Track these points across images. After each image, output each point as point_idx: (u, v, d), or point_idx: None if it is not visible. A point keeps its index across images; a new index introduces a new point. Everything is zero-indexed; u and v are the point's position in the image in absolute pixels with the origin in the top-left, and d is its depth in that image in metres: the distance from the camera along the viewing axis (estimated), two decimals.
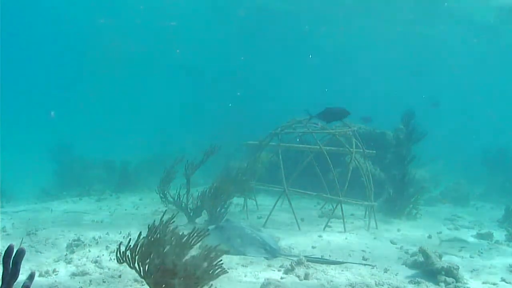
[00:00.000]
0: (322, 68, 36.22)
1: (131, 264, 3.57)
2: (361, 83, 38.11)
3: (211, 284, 3.73)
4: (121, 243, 3.72)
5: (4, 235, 7.20)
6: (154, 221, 3.62)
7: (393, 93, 35.76)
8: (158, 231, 3.52)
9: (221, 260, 3.69)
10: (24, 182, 14.34)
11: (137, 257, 3.48)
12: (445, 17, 23.40)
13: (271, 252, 6.39)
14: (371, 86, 38.11)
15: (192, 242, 3.63)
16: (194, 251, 3.73)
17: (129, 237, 6.64)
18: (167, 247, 3.50)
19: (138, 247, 3.49)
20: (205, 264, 3.55)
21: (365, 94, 37.03)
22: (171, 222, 3.66)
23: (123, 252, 3.54)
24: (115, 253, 3.66)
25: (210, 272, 3.59)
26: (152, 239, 3.49)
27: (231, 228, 6.82)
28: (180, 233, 3.62)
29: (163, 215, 3.72)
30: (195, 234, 3.64)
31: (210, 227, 6.98)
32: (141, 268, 3.57)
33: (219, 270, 3.64)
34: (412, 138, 10.80)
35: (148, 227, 3.63)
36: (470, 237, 8.68)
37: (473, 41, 27.13)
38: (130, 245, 3.55)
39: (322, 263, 6.08)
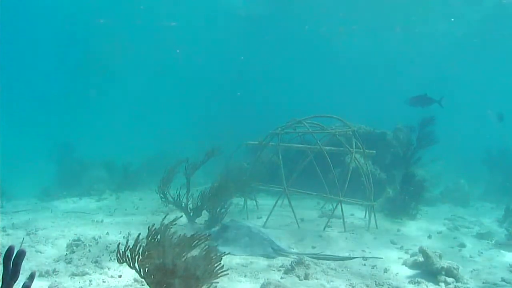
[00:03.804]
0: (323, 68, 36.20)
1: (131, 264, 3.57)
2: (362, 83, 38.07)
3: (211, 283, 3.73)
4: (119, 244, 3.72)
5: (4, 235, 7.21)
6: (154, 225, 3.62)
7: (393, 93, 35.71)
8: (159, 234, 3.51)
9: (221, 261, 3.70)
10: (24, 182, 14.33)
11: (137, 258, 3.48)
12: (443, 14, 23.41)
13: (278, 251, 6.43)
14: (371, 86, 38.09)
15: (194, 244, 3.62)
16: (194, 251, 3.73)
17: (128, 237, 6.66)
18: (168, 250, 3.50)
19: (139, 249, 3.49)
20: (205, 265, 3.55)
21: (365, 94, 37.01)
22: (173, 224, 3.66)
23: (122, 252, 3.55)
24: (115, 253, 3.66)
25: (210, 272, 3.59)
26: (153, 241, 3.49)
27: (238, 227, 6.83)
28: (181, 235, 3.62)
29: (164, 218, 3.71)
30: (197, 238, 3.63)
31: (213, 229, 7.03)
32: (141, 269, 3.57)
33: (219, 270, 3.64)
34: (423, 143, 10.78)
35: (148, 229, 3.63)
36: (470, 237, 8.68)
37: (473, 41, 27.12)
38: (129, 246, 3.55)
39: (329, 260, 6.16)
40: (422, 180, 10.73)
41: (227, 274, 3.83)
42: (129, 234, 7.26)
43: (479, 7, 21.72)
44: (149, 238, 3.53)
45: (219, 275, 3.63)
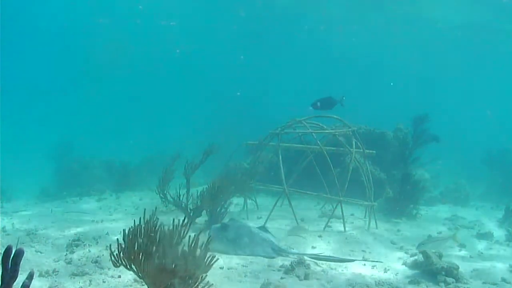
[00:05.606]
0: (323, 68, 36.20)
1: (128, 266, 3.56)
2: (362, 83, 38.07)
3: (209, 282, 3.72)
4: (110, 245, 3.71)
5: (4, 235, 7.20)
6: (134, 220, 3.62)
7: (394, 93, 35.75)
8: (143, 229, 3.52)
9: (212, 254, 3.71)
10: (24, 182, 14.34)
11: (133, 258, 3.48)
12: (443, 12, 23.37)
13: (278, 251, 6.42)
14: (371, 86, 38.08)
15: (182, 234, 3.62)
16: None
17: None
18: (159, 245, 3.50)
19: (127, 247, 3.49)
20: (198, 257, 3.55)
21: (365, 94, 36.99)
22: (155, 219, 3.65)
23: (117, 254, 3.54)
24: (111, 256, 3.65)
25: (204, 263, 3.60)
26: (140, 237, 3.49)
27: (238, 227, 6.80)
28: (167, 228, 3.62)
29: (144, 214, 3.68)
30: (181, 226, 3.63)
31: (213, 226, 6.99)
32: (138, 269, 3.57)
33: (211, 259, 3.65)
34: (418, 142, 10.75)
35: (133, 227, 3.62)
36: (470, 237, 8.68)
37: (472, 40, 27.11)
38: (122, 245, 3.55)
39: (329, 260, 6.16)
40: (419, 180, 10.71)
41: (218, 259, 3.83)
42: None
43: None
44: (138, 233, 3.52)
45: (211, 263, 3.64)
